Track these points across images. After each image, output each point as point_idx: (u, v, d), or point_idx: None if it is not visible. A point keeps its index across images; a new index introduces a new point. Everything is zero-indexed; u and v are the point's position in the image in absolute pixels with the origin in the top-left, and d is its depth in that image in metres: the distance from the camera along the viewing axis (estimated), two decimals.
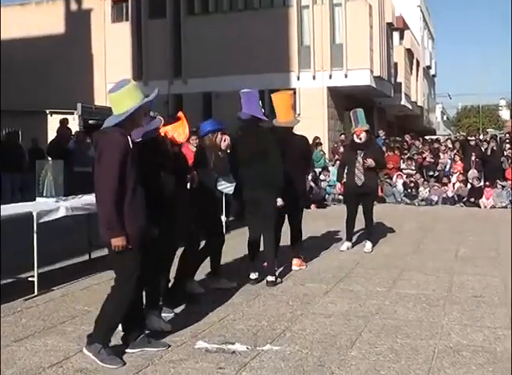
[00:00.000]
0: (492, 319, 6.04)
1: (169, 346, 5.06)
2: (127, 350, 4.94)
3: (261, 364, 4.73)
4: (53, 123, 22.33)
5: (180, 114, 6.17)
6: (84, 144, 18.01)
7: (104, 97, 28.27)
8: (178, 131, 6.00)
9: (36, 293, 6.85)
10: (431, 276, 8.03)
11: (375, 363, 4.76)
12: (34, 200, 7.74)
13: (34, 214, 6.73)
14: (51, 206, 7.17)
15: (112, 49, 28.49)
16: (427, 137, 25.80)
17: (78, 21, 29.12)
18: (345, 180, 10.14)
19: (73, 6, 30.16)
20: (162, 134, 5.70)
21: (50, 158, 19.16)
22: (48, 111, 23.03)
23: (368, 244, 9.96)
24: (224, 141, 6.88)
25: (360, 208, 10.11)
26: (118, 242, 4.61)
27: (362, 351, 5.06)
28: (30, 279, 6.96)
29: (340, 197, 18.05)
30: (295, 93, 25.46)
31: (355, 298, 6.87)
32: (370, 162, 9.54)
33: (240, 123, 7.64)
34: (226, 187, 7.02)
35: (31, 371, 4.59)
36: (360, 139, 9.80)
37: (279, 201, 7.46)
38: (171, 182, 5.74)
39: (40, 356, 4.91)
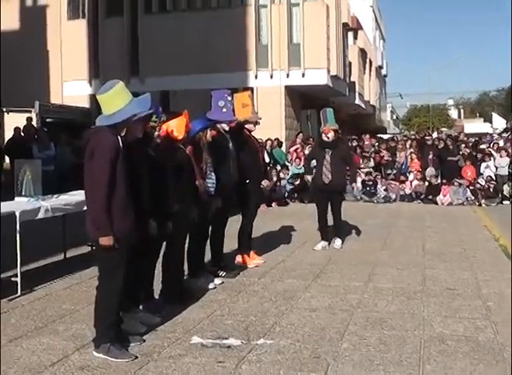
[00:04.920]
0: (469, 310, 6.32)
1: (136, 357, 4.90)
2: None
3: (258, 357, 4.88)
4: (9, 120, 21.95)
5: (185, 112, 6.33)
6: (45, 143, 17.89)
7: (61, 95, 28.06)
8: (177, 127, 6.17)
9: (19, 293, 6.85)
10: (403, 270, 8.30)
11: (367, 354, 4.96)
12: (13, 199, 7.71)
13: (17, 214, 6.72)
14: (32, 206, 7.17)
15: (69, 47, 28.06)
16: (385, 137, 26.26)
17: (33, 17, 28.61)
18: (313, 176, 10.26)
19: (29, 2, 29.65)
20: (162, 129, 5.88)
21: (8, 158, 19.04)
22: (4, 109, 22.61)
23: (338, 241, 10.14)
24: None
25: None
26: (105, 242, 4.74)
27: (352, 342, 5.25)
28: (13, 279, 6.94)
29: (295, 194, 18.38)
30: (252, 92, 25.70)
31: (335, 292, 7.07)
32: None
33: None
34: (210, 186, 7.14)
35: (34, 370, 4.64)
36: (328, 138, 9.93)
37: None
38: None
39: (38, 355, 4.95)
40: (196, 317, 6.02)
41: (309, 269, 8.35)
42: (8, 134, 20.07)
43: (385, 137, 26.36)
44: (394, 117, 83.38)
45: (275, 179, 17.59)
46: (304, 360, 4.82)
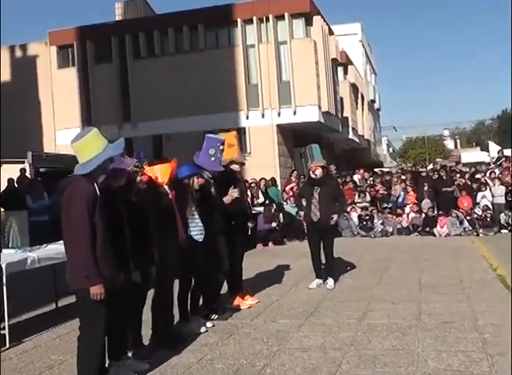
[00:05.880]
0: (464, 343, 6.20)
1: None
2: None
3: None
4: (3, 172, 21.96)
5: (174, 160, 6.36)
6: (39, 193, 17.82)
7: (54, 143, 28.10)
8: (162, 173, 6.16)
9: (8, 345, 6.74)
10: (398, 305, 8.18)
11: None
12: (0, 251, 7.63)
13: (3, 266, 6.64)
14: (19, 257, 7.09)
15: (60, 95, 28.32)
16: (377, 170, 26.25)
17: (24, 68, 28.89)
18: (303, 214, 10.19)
19: (18, 53, 29.95)
20: (145, 173, 5.87)
21: (2, 209, 18.97)
22: None
23: (330, 281, 9.87)
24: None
25: None
26: (97, 290, 4.64)
27: None
28: (1, 332, 6.83)
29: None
30: (244, 132, 25.83)
31: (328, 331, 6.96)
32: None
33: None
34: (197, 233, 7.04)
35: None
36: (316, 175, 9.76)
37: None
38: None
39: None
40: (186, 362, 5.91)
41: (303, 308, 8.24)
42: (2, 185, 20.05)
43: (377, 169, 26.32)
44: (390, 150, 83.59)
45: (274, 224, 17.47)
46: None
